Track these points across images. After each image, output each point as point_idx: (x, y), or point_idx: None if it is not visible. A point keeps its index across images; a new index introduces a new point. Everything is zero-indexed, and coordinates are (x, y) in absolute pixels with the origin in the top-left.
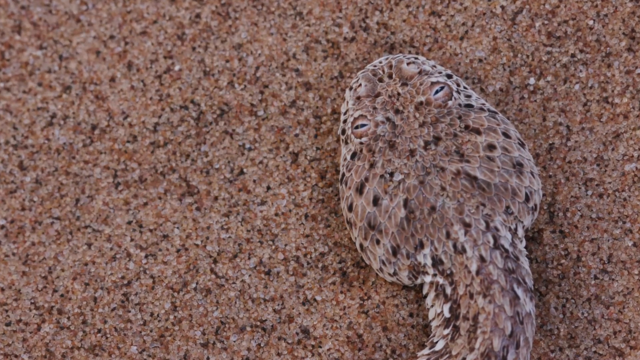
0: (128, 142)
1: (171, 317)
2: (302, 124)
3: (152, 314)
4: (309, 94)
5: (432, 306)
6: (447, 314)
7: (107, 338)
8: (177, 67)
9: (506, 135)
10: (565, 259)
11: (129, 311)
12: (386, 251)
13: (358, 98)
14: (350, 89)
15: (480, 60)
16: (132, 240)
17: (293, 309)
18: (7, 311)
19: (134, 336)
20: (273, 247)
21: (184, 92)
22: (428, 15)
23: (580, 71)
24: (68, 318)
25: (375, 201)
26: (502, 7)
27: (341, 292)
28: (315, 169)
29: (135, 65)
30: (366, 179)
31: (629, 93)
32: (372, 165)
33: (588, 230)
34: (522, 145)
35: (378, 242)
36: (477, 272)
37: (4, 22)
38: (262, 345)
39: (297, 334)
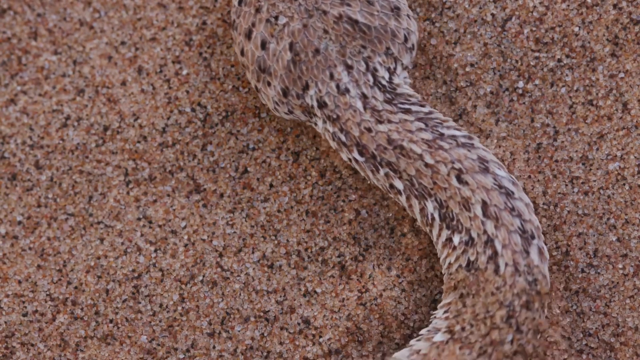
0: (138, 142)
1: (179, 308)
2: (302, 125)
3: (161, 305)
4: None
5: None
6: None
7: (118, 328)
8: (184, 72)
9: None
10: (557, 251)
11: (139, 302)
12: (277, 93)
13: None
14: None
15: (472, 65)
16: (142, 235)
17: (294, 300)
18: (24, 302)
19: (144, 326)
20: (275, 241)
21: (192, 95)
22: (423, 22)
23: (567, 75)
24: (82, 309)
25: (263, 45)
26: (493, 14)
27: (340, 285)
28: (315, 167)
29: (145, 69)
30: (253, 24)
31: (612, 96)
32: (257, 10)
33: (575, 225)
34: None
35: (269, 84)
36: (364, 108)
37: (20, 29)
38: (265, 334)
39: (299, 324)
